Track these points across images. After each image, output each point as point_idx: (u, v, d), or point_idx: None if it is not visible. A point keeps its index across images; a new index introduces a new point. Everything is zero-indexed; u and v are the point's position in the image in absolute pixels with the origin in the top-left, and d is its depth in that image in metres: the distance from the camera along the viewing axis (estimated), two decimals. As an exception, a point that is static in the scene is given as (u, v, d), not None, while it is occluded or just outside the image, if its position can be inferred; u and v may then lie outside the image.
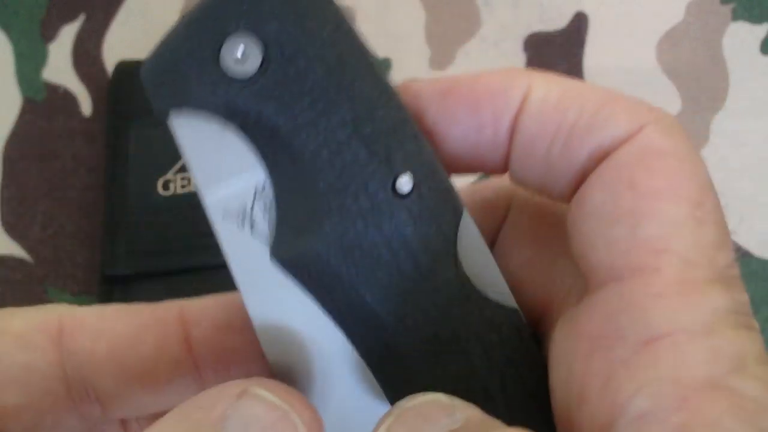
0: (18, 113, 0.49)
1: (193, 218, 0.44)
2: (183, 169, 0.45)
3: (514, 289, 0.19)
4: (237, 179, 0.18)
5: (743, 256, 0.46)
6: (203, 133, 0.18)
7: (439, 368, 0.18)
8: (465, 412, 0.16)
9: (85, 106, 0.49)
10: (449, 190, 0.18)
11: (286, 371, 0.18)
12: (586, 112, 0.17)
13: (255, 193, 0.18)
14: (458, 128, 0.18)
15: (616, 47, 0.50)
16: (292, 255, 0.18)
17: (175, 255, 0.44)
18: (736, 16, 0.50)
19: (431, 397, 0.16)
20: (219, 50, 0.17)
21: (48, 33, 0.50)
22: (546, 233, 0.20)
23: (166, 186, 0.45)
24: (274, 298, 0.18)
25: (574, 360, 0.17)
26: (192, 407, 0.16)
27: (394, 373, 0.18)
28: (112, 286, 0.44)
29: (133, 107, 0.47)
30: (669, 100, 0.49)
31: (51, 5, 0.50)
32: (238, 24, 0.17)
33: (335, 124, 0.17)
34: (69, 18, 0.50)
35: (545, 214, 0.20)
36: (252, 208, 0.18)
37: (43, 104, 0.49)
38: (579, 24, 0.50)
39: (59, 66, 0.49)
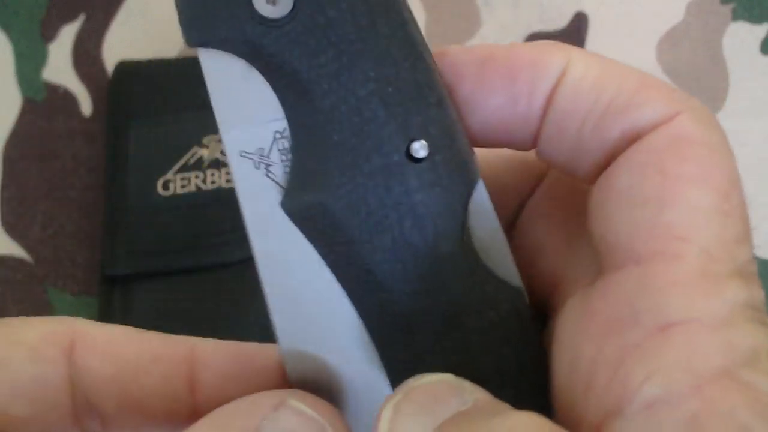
0: (18, 113, 0.49)
1: (193, 218, 0.44)
2: (183, 169, 0.45)
3: (527, 263, 0.19)
4: (258, 121, 0.18)
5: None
6: (229, 71, 0.18)
7: (434, 340, 0.18)
8: (474, 393, 0.16)
9: (85, 106, 0.49)
10: (465, 162, 0.18)
11: (286, 317, 0.18)
12: (623, 93, 0.17)
13: (274, 138, 0.18)
14: (494, 98, 0.18)
15: (616, 47, 0.50)
16: (300, 205, 0.18)
17: (175, 255, 0.44)
18: (736, 16, 0.50)
19: (440, 377, 0.16)
20: None
21: (48, 33, 0.50)
22: (570, 212, 0.19)
23: (166, 186, 0.45)
24: (280, 245, 0.18)
25: (584, 342, 0.16)
26: (228, 416, 0.16)
27: (390, 338, 0.18)
28: (112, 286, 0.44)
29: (133, 107, 0.47)
30: (669, 100, 0.49)
31: (51, 5, 0.50)
32: None
33: (357, 80, 0.17)
34: (69, 18, 0.50)
35: (575, 193, 0.20)
36: (270, 151, 0.18)
37: (43, 104, 0.49)
38: (579, 24, 0.50)
39: (59, 66, 0.49)
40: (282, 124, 0.18)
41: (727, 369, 0.15)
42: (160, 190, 0.45)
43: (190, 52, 0.44)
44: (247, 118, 0.18)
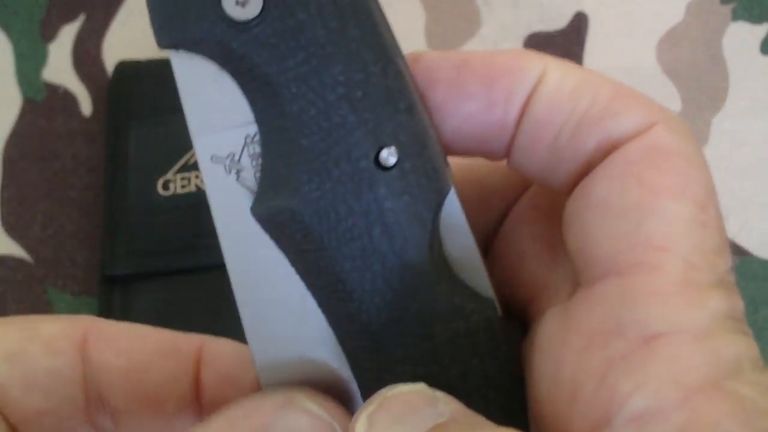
0: (18, 113, 0.49)
1: (193, 218, 0.44)
2: (183, 169, 0.45)
3: (509, 270, 0.18)
4: (229, 125, 0.18)
5: (743, 256, 0.46)
6: (200, 74, 0.18)
7: (401, 349, 0.17)
8: (449, 404, 0.16)
9: (85, 106, 0.49)
10: (436, 170, 0.18)
11: (258, 327, 0.18)
12: (599, 103, 0.17)
13: (245, 143, 0.18)
14: (469, 104, 0.18)
15: (616, 47, 0.50)
16: (270, 211, 0.17)
17: (175, 255, 0.44)
18: (736, 16, 0.50)
19: (413, 387, 0.16)
20: None
21: (48, 33, 0.50)
22: (553, 221, 0.19)
23: (166, 186, 0.45)
24: (250, 251, 0.18)
25: (566, 354, 0.16)
26: (237, 414, 0.16)
27: (359, 347, 0.18)
28: (112, 286, 0.44)
29: (133, 107, 0.47)
30: (669, 100, 0.49)
31: (51, 5, 0.50)
32: None
33: (327, 84, 0.17)
34: (69, 18, 0.50)
35: (558, 202, 0.19)
36: (241, 156, 0.18)
37: (43, 104, 0.49)
38: (579, 24, 0.50)
39: (59, 66, 0.49)
40: (253, 128, 0.18)
41: (713, 380, 0.15)
42: (160, 190, 0.45)
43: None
44: (218, 122, 0.18)
